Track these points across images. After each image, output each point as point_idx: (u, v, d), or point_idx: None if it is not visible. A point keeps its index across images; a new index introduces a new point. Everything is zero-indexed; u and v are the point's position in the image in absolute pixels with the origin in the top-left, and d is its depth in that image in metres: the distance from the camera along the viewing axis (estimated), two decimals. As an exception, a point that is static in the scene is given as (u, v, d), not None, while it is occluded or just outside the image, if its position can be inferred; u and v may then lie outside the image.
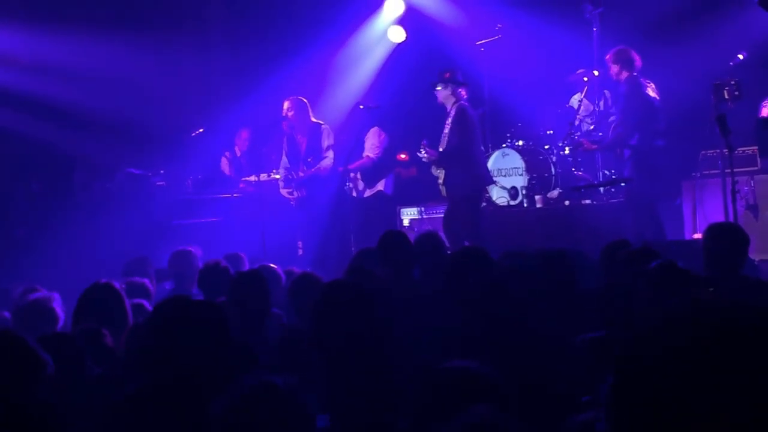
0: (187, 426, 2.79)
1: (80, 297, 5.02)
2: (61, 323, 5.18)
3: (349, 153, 10.40)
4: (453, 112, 9.30)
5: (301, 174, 10.13)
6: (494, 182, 10.17)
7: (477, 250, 5.20)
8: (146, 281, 6.38)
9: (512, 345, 3.55)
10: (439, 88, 9.36)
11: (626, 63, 9.01)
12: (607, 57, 9.17)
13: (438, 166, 9.37)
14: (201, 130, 11.64)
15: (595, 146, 9.67)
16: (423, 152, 9.31)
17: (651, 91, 8.99)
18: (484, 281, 3.98)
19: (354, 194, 10.48)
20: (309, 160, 10.10)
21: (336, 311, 3.55)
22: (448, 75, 9.36)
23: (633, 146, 9.00)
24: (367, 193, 10.65)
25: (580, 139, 9.82)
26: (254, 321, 4.80)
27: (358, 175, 10.62)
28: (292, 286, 5.42)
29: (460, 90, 9.35)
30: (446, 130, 9.34)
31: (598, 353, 3.57)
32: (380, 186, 10.76)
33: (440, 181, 9.40)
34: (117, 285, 5.16)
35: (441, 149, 9.30)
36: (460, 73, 9.48)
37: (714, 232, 5.46)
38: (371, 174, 10.63)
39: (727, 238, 5.33)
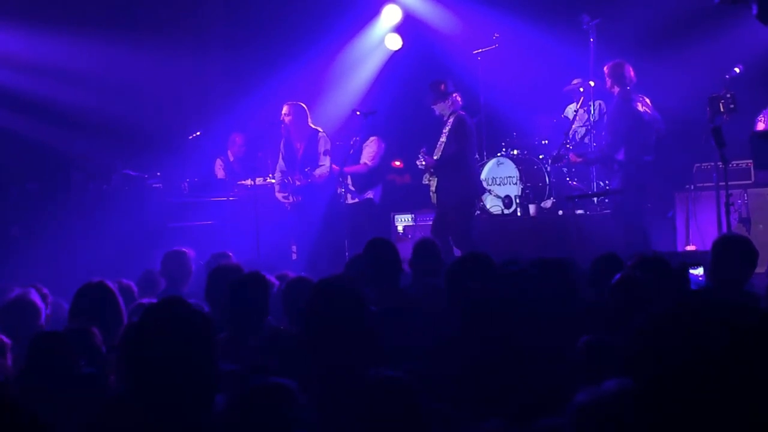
0: (169, 428, 2.80)
1: (74, 296, 5.02)
2: (43, 315, 5.19)
3: (344, 158, 10.41)
4: (451, 121, 9.30)
5: (297, 183, 10.10)
6: (487, 191, 10.19)
7: (481, 256, 5.14)
8: (132, 284, 6.35)
9: (515, 354, 3.55)
10: (438, 103, 9.38)
11: (618, 78, 9.04)
12: (605, 70, 9.22)
13: (432, 174, 9.38)
14: (198, 133, 11.63)
15: (581, 159, 9.69)
16: (421, 159, 9.32)
17: (641, 106, 9.02)
18: (488, 288, 3.95)
19: (344, 200, 10.48)
20: (306, 170, 10.06)
21: (326, 310, 3.53)
22: (443, 87, 9.37)
23: (620, 160, 9.03)
24: (355, 200, 10.64)
25: (564, 153, 9.82)
26: (251, 325, 4.78)
27: (349, 180, 10.61)
28: (286, 290, 5.39)
29: (455, 96, 9.37)
30: (443, 139, 9.34)
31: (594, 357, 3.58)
32: (369, 194, 10.75)
33: (432, 189, 9.40)
34: (110, 284, 5.15)
35: (436, 157, 9.32)
36: (451, 81, 9.50)
37: (724, 243, 5.37)
38: (363, 181, 10.63)
39: (737, 250, 5.25)
